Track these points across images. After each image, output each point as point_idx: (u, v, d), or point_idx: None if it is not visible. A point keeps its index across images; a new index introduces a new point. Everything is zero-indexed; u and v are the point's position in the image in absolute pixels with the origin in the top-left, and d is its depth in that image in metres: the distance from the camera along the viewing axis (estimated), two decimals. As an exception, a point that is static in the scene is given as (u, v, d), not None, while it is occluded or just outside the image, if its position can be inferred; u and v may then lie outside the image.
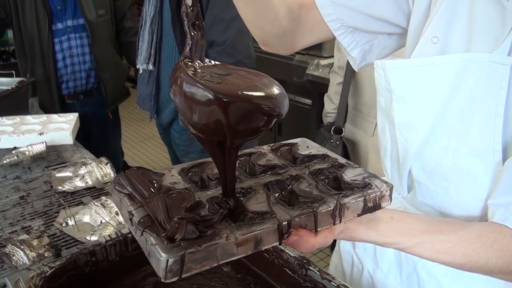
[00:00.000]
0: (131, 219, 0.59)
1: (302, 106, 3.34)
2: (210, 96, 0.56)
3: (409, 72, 0.85)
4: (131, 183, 0.64)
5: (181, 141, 2.20)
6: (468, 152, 0.81)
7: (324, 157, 0.80)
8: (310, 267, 1.00)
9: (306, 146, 0.85)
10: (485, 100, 0.77)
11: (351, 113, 2.35)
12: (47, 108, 2.45)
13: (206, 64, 0.64)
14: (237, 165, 0.76)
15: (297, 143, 0.85)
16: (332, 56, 3.23)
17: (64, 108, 2.54)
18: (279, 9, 0.91)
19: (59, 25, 2.48)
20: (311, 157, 0.80)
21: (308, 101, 3.27)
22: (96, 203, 1.38)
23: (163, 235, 0.54)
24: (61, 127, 1.97)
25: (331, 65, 3.07)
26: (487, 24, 0.77)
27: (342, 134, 2.29)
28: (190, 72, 0.59)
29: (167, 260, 0.51)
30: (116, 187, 0.66)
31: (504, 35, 0.75)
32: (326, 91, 2.57)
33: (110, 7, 2.61)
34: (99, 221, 1.33)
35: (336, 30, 0.94)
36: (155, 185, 0.66)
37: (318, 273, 0.98)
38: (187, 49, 0.63)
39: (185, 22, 0.62)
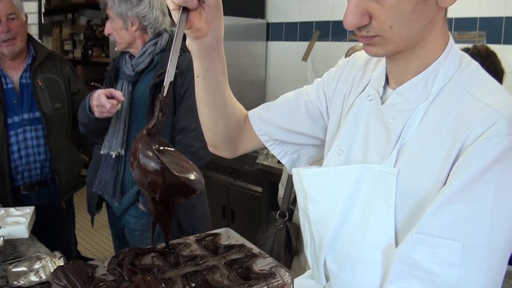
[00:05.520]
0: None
1: (253, 194, 3.47)
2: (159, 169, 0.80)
3: (319, 178, 1.03)
4: (66, 276, 0.75)
5: (138, 226, 2.27)
6: (370, 245, 0.95)
7: (240, 247, 0.92)
8: None
9: (228, 236, 0.98)
10: (380, 202, 0.93)
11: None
12: (1, 199, 2.44)
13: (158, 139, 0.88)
14: (163, 257, 0.89)
15: (220, 233, 0.98)
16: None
17: (18, 200, 2.55)
18: (231, 118, 1.13)
19: (16, 118, 2.53)
20: (230, 247, 0.93)
21: (259, 189, 3.41)
22: (49, 299, 1.43)
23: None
24: (17, 221, 1.99)
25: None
26: (378, 141, 0.97)
27: (286, 218, 2.44)
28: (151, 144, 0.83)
29: None
30: (55, 280, 0.76)
31: (390, 150, 0.93)
32: (276, 179, 2.74)
33: (67, 100, 2.69)
34: (50, 316, 1.38)
35: (266, 142, 1.17)
36: (89, 275, 0.78)
37: None
38: (151, 125, 0.84)
39: (157, 106, 0.84)
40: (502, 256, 0.84)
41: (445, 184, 0.85)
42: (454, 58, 0.93)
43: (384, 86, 1.00)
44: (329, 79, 1.14)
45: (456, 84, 0.91)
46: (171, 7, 0.88)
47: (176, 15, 0.88)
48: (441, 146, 0.88)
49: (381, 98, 0.99)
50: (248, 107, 1.20)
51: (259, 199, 3.41)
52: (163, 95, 0.83)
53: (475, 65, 0.94)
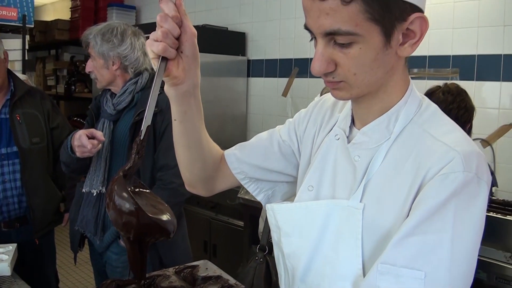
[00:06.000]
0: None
1: (235, 228, 3.50)
2: (133, 210, 0.84)
3: (291, 213, 1.09)
4: (50, 308, 0.78)
5: (119, 262, 2.27)
6: (340, 277, 1.00)
7: (217, 278, 0.97)
8: None
9: (206, 268, 1.02)
10: (348, 235, 0.98)
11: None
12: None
13: (134, 180, 0.94)
14: (143, 289, 0.93)
15: (198, 265, 1.03)
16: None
17: None
18: (207, 158, 1.19)
19: None
20: (207, 279, 0.97)
21: (241, 223, 3.44)
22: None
23: None
24: (0, 258, 1.98)
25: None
26: (345, 177, 1.03)
27: (266, 252, 2.47)
28: (127, 186, 0.88)
29: None
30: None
31: (356, 186, 0.99)
32: (258, 213, 2.77)
33: (47, 135, 2.68)
34: None
35: (242, 180, 1.22)
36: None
37: None
38: (127, 167, 0.88)
39: (134, 149, 0.90)
40: (463, 283, 0.89)
41: (407, 217, 0.91)
42: (414, 101, 1.00)
43: (350, 126, 1.07)
44: (299, 120, 1.21)
45: (416, 124, 0.98)
46: (151, 55, 0.95)
47: (155, 64, 0.94)
48: (403, 181, 0.94)
49: (347, 137, 1.06)
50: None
51: (241, 233, 3.43)
52: (140, 138, 0.89)
53: (434, 107, 1.02)
